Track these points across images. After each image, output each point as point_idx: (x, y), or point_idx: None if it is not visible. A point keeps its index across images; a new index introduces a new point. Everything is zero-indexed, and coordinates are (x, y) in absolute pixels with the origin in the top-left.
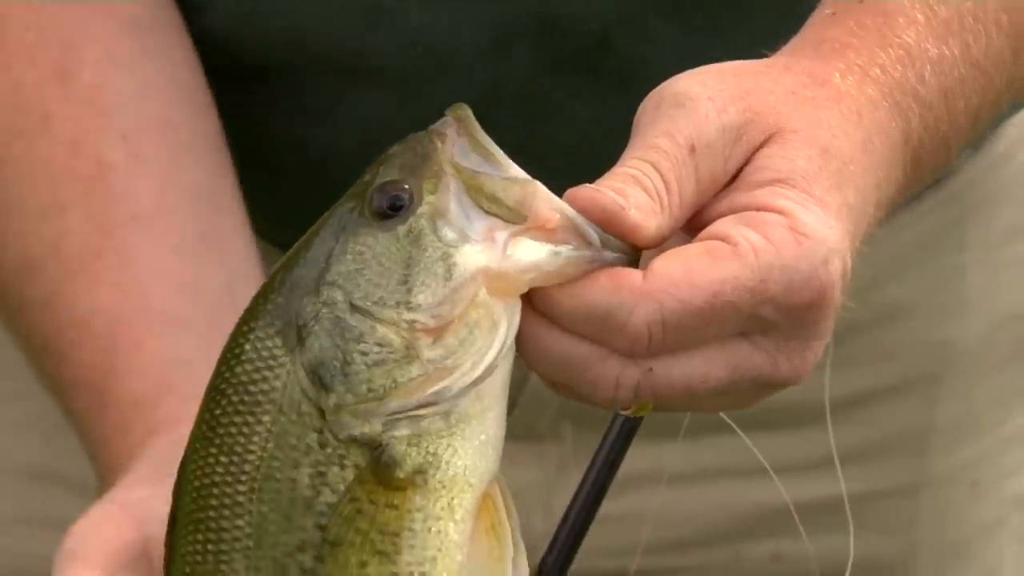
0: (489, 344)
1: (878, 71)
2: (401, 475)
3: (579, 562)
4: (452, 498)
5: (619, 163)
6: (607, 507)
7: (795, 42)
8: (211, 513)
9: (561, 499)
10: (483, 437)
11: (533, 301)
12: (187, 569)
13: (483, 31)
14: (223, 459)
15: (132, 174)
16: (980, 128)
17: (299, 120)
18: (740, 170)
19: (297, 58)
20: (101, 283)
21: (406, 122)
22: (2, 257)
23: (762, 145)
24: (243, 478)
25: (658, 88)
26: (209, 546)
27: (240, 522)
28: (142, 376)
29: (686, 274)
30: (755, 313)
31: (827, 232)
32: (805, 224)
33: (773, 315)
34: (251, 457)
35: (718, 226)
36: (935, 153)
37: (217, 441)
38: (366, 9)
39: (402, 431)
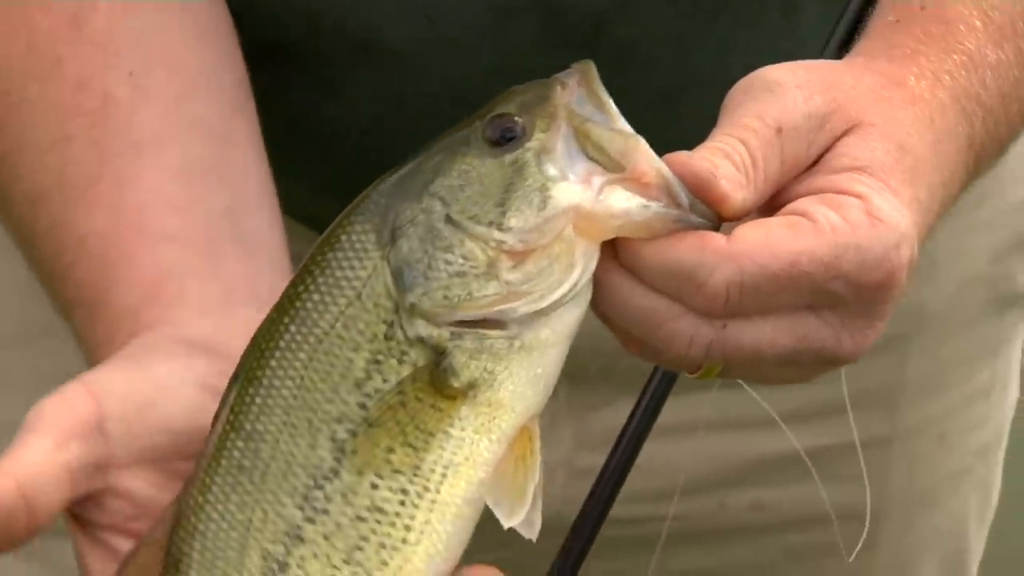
0: (561, 280)
1: (948, 77)
2: (456, 384)
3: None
4: (494, 417)
5: (709, 139)
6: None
7: (865, 45)
8: (267, 372)
9: (552, 454)
10: (539, 371)
11: (618, 253)
12: (231, 416)
13: (488, 9)
14: (292, 328)
15: (136, 106)
16: None
17: (310, 95)
18: (820, 156)
19: (309, 33)
20: (97, 207)
21: (413, 98)
22: (17, 191)
23: (843, 135)
24: (304, 347)
25: (748, 76)
26: (257, 399)
27: (289, 383)
28: (130, 289)
29: (767, 242)
30: (827, 287)
31: (900, 219)
32: (880, 209)
33: (843, 291)
34: (317, 331)
35: (799, 204)
36: (993, 153)
37: (291, 312)
38: None
39: (467, 343)
